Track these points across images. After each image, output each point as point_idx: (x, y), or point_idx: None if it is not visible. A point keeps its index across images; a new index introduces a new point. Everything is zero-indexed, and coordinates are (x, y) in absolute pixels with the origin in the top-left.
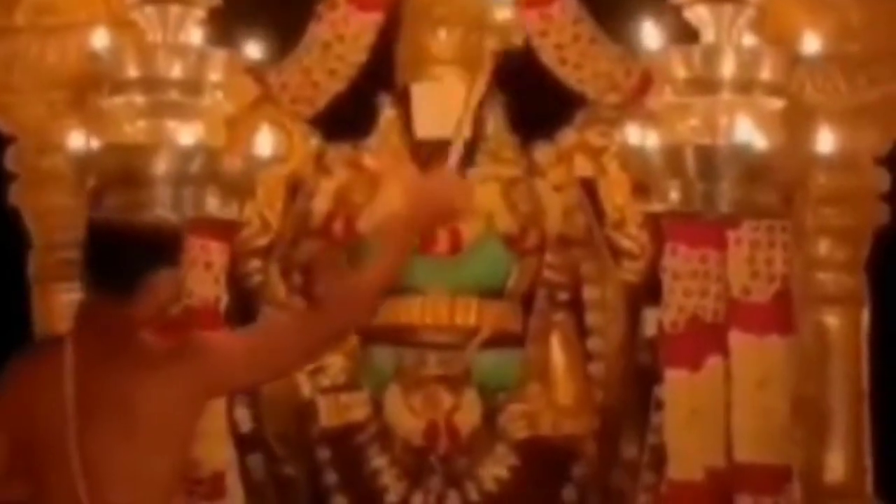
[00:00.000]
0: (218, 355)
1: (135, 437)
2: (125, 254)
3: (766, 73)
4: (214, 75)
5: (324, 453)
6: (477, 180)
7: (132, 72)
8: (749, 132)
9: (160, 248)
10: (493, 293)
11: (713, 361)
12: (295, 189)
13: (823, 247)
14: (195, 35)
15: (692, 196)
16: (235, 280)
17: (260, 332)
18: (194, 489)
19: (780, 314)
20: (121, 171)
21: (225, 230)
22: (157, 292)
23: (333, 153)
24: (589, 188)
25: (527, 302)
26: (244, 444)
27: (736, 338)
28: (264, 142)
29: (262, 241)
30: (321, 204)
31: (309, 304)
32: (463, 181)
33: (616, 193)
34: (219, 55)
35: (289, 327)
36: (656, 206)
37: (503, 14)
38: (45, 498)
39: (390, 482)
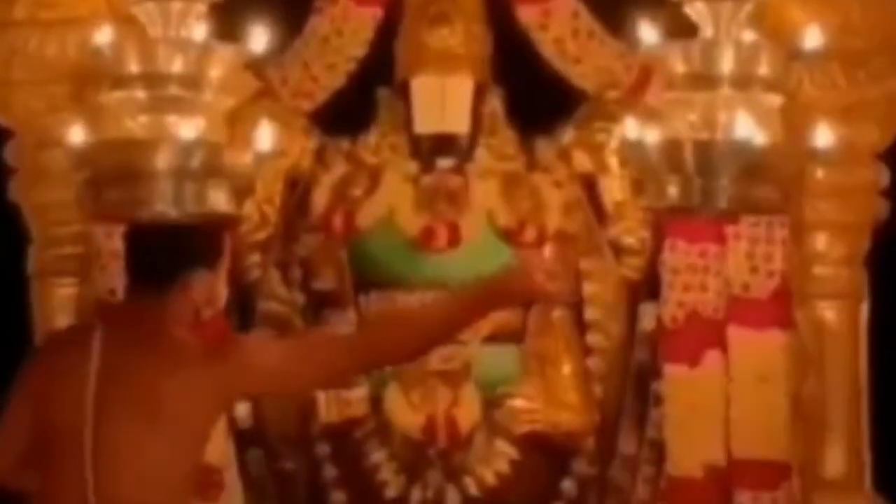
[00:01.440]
0: (252, 361)
1: (154, 433)
2: (162, 252)
3: (764, 69)
4: (215, 70)
5: (323, 448)
6: (478, 177)
7: (133, 67)
8: (748, 128)
9: (197, 248)
10: None
11: (712, 356)
12: (294, 183)
13: (822, 242)
14: (196, 30)
15: (691, 191)
16: (234, 274)
17: (298, 341)
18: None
19: (780, 309)
20: (121, 166)
21: (225, 225)
22: (191, 292)
23: (333, 148)
24: (588, 184)
25: None
26: (243, 439)
27: (735, 333)
28: (264, 136)
29: (261, 236)
30: (320, 198)
31: (359, 325)
32: (564, 273)
33: (615, 189)
34: (220, 50)
35: (329, 343)
36: (655, 202)
37: None
38: (53, 486)
39: (389, 477)
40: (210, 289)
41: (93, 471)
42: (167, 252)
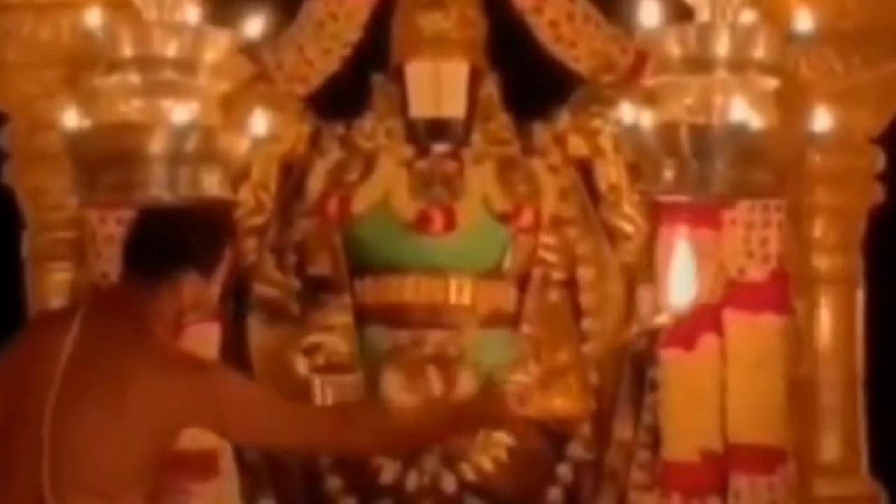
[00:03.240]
0: (227, 388)
1: (115, 423)
2: (160, 245)
3: (760, 52)
4: (210, 54)
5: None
6: (474, 162)
7: (127, 51)
8: (744, 111)
9: (196, 250)
10: (488, 273)
11: (707, 340)
12: (289, 168)
13: (818, 227)
14: (191, 14)
15: (687, 176)
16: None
17: (281, 401)
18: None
19: (776, 294)
20: (115, 150)
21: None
22: (181, 293)
23: (328, 132)
24: (584, 168)
25: (522, 282)
26: None
27: (731, 317)
28: (259, 121)
29: (257, 221)
30: (315, 183)
31: (346, 406)
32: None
33: (611, 174)
34: (214, 34)
35: (311, 415)
36: (651, 186)
37: None
38: (9, 463)
39: (385, 462)
40: (199, 294)
41: (50, 452)
42: (164, 246)
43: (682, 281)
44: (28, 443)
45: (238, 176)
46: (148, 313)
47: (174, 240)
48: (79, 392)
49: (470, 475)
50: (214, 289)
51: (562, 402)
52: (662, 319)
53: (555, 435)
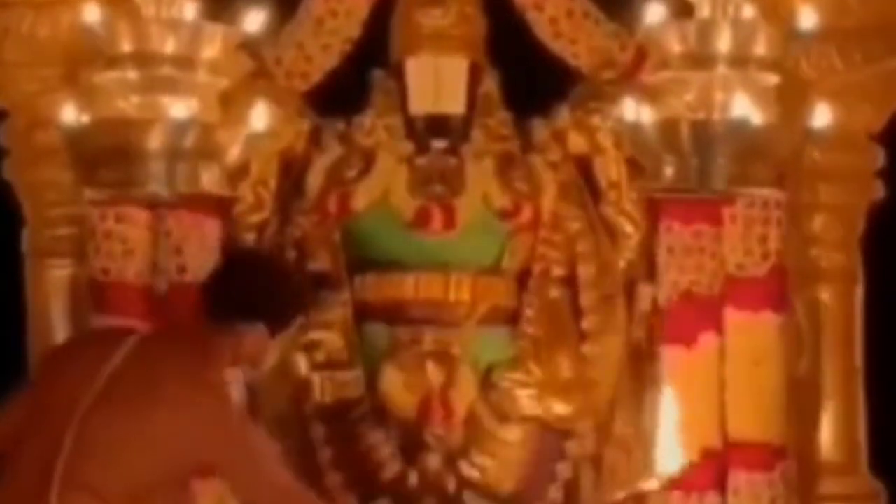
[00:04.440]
0: (242, 468)
1: (138, 443)
2: (243, 291)
3: (761, 49)
4: (208, 50)
5: (318, 430)
6: (473, 158)
7: (125, 47)
8: (744, 107)
9: (273, 307)
10: (488, 270)
11: (707, 337)
12: (289, 165)
13: (818, 223)
14: (189, 10)
15: (687, 172)
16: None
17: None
18: None
19: (775, 290)
20: (114, 146)
21: (219, 206)
22: (242, 342)
23: (327, 129)
24: (583, 165)
25: (522, 279)
26: None
27: (731, 315)
28: (259, 117)
29: (256, 218)
30: (315, 180)
31: None
32: None
33: (611, 170)
34: (213, 30)
35: None
36: (651, 183)
37: None
38: (21, 461)
39: (385, 459)
40: (261, 349)
41: (68, 453)
42: (248, 294)
43: (671, 446)
44: (46, 442)
45: (237, 172)
46: (207, 353)
47: (259, 291)
48: (113, 404)
49: (468, 471)
50: (275, 351)
51: (561, 400)
52: (651, 485)
53: (555, 432)
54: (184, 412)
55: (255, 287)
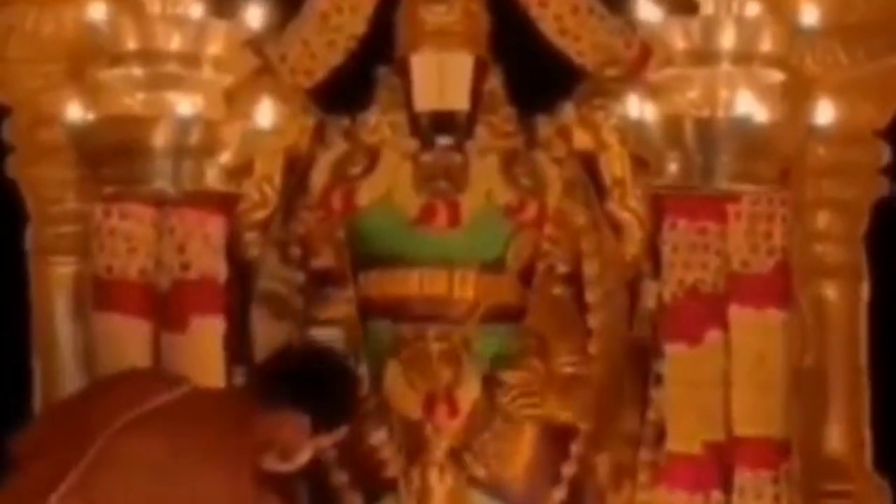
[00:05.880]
0: None
1: (144, 482)
2: (303, 377)
3: (765, 45)
4: (213, 47)
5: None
6: (478, 155)
7: (130, 44)
8: (749, 104)
9: (325, 405)
10: (493, 266)
11: (713, 335)
12: (293, 162)
13: (822, 219)
14: (193, 7)
15: (691, 169)
16: (233, 253)
17: None
18: None
19: (780, 287)
20: (119, 143)
21: (223, 203)
22: (279, 426)
23: (332, 126)
24: (588, 161)
25: (526, 275)
26: None
27: (735, 312)
28: (263, 114)
29: (261, 215)
30: (319, 177)
31: None
32: None
33: (616, 167)
34: (218, 27)
35: None
36: (655, 180)
37: None
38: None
39: (389, 456)
40: (294, 442)
41: (90, 461)
42: (306, 381)
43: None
44: (68, 450)
45: (241, 169)
46: (243, 427)
47: (316, 384)
48: (145, 435)
49: (473, 469)
50: (308, 451)
51: (565, 397)
52: None
53: (559, 430)
54: (201, 481)
55: (314, 378)
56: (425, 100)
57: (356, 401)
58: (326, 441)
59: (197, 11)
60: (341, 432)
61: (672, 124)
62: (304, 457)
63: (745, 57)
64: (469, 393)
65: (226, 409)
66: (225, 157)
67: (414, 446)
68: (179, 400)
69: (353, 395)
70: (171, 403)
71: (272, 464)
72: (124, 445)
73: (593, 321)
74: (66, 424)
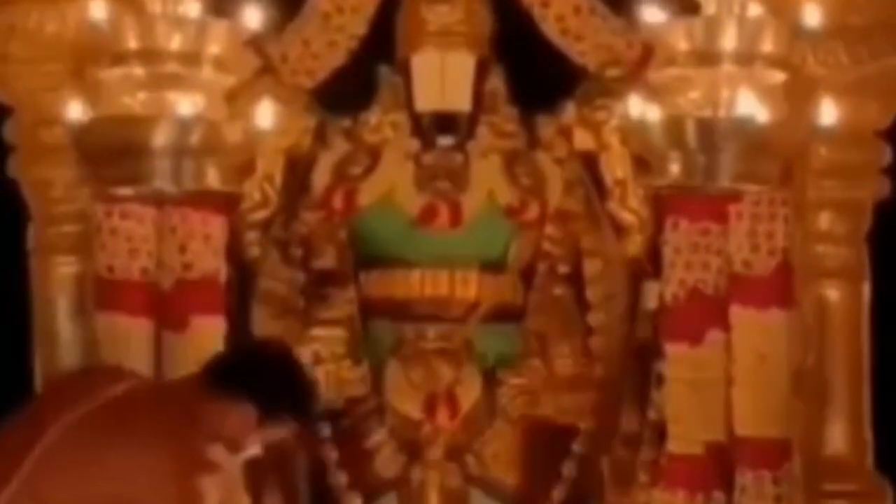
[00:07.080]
0: None
1: (88, 477)
2: (253, 369)
3: (767, 46)
4: (214, 47)
5: (322, 428)
6: (479, 155)
7: (131, 43)
8: (751, 105)
9: (274, 398)
10: (494, 266)
11: (714, 335)
12: (294, 162)
13: (824, 220)
14: (194, 7)
15: (693, 169)
16: (234, 253)
17: None
18: None
19: (781, 287)
20: (120, 143)
21: (224, 203)
22: (224, 417)
23: (333, 126)
24: (590, 162)
25: (527, 275)
26: None
27: (737, 312)
28: (265, 114)
29: (262, 215)
30: (321, 177)
31: None
32: None
33: (617, 167)
34: (218, 26)
35: None
36: (657, 180)
37: None
38: None
39: (390, 456)
40: (240, 434)
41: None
42: (255, 372)
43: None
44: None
45: (243, 169)
46: (190, 419)
47: (263, 372)
48: (91, 431)
49: (474, 468)
50: (256, 443)
51: (566, 397)
52: None
53: (560, 429)
54: (145, 474)
55: (258, 368)
56: (427, 100)
57: (306, 393)
58: (276, 433)
59: (197, 11)
60: (292, 426)
61: (674, 125)
62: (253, 449)
63: (746, 57)
64: (470, 393)
65: (172, 402)
66: (226, 157)
67: (414, 446)
68: (126, 393)
69: (300, 386)
70: (119, 397)
71: (220, 455)
72: (69, 440)
73: (594, 321)
74: (19, 421)
